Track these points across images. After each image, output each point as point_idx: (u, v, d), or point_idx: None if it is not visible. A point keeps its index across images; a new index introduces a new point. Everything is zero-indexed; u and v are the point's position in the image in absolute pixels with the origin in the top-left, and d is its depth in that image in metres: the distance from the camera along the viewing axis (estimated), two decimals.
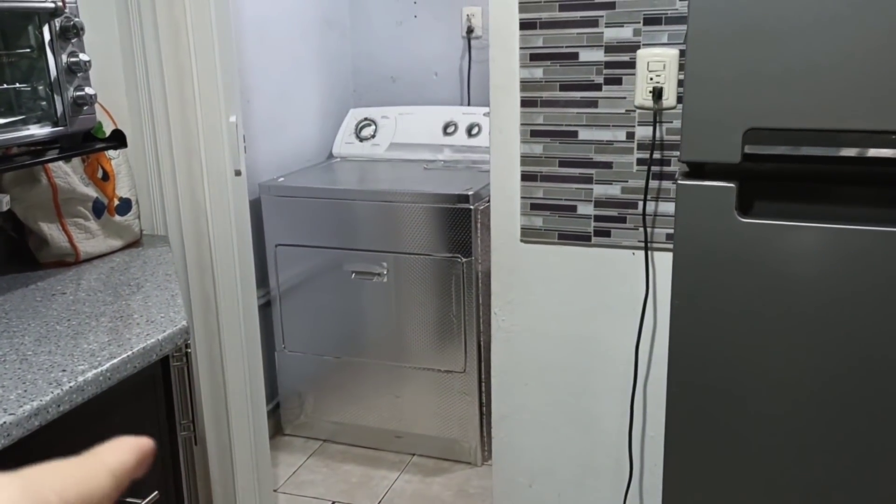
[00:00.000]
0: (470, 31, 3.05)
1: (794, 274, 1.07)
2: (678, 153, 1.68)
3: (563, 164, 1.79)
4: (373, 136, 3.03)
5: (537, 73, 1.76)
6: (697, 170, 1.12)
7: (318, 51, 3.06)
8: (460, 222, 2.46)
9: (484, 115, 2.92)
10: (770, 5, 1.04)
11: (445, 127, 2.96)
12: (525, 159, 1.82)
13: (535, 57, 1.75)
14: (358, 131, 3.06)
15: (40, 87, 1.47)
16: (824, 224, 1.05)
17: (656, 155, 1.71)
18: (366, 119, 3.07)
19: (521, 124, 1.80)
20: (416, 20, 3.13)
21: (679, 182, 1.10)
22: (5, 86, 1.43)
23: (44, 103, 1.47)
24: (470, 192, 2.44)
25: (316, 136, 3.08)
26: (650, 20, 1.65)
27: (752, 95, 1.04)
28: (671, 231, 1.73)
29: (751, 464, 1.22)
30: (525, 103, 1.79)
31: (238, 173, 2.01)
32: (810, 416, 1.17)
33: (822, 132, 1.04)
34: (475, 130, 2.91)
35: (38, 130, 1.46)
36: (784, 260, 1.07)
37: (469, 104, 3.10)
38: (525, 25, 1.74)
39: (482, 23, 3.03)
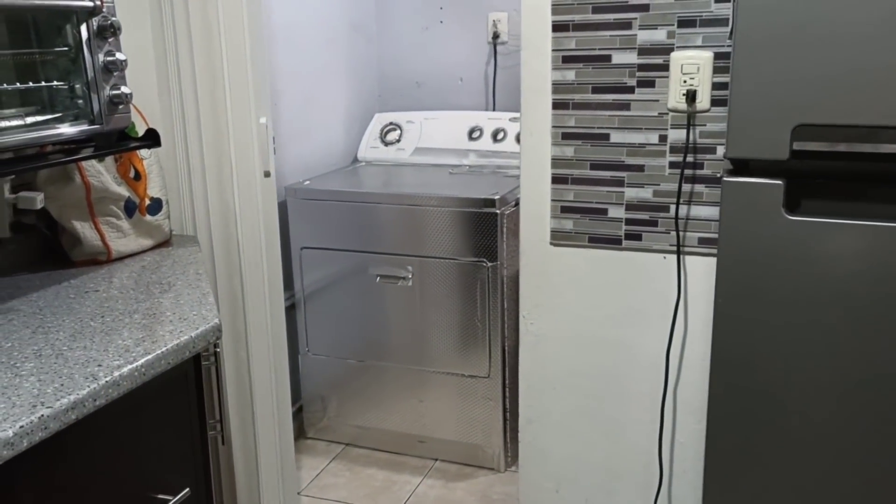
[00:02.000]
0: (496, 36, 3.06)
1: (843, 273, 1.05)
2: (712, 156, 1.67)
3: (594, 166, 1.78)
4: (398, 141, 3.03)
5: (569, 75, 1.75)
6: (742, 167, 1.10)
7: (344, 55, 3.07)
8: (486, 226, 2.45)
9: (510, 119, 2.92)
10: (819, 2, 1.02)
11: (470, 132, 2.96)
12: (556, 162, 1.81)
13: (567, 59, 1.75)
14: (383, 136, 3.06)
15: (77, 86, 1.48)
16: (874, 222, 1.04)
17: (689, 158, 1.69)
18: (391, 123, 3.08)
19: (553, 127, 1.80)
20: (442, 26, 3.14)
21: (725, 179, 1.09)
22: (42, 84, 1.44)
23: (80, 102, 1.48)
24: (496, 197, 2.44)
25: (341, 140, 3.09)
26: (684, 22, 1.64)
27: (802, 91, 1.03)
28: (704, 235, 1.72)
29: (795, 468, 1.20)
30: (556, 105, 1.78)
31: (267, 174, 2.02)
32: (859, 420, 1.15)
33: (872, 129, 1.02)
34: (500, 135, 2.91)
35: (73, 129, 1.47)
36: (833, 259, 1.05)
37: (494, 109, 3.10)
38: (558, 28, 1.74)
39: (508, 28, 3.03)
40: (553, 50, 1.76)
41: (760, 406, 1.20)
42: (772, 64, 1.04)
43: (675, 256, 1.75)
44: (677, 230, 1.73)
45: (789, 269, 1.09)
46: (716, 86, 1.63)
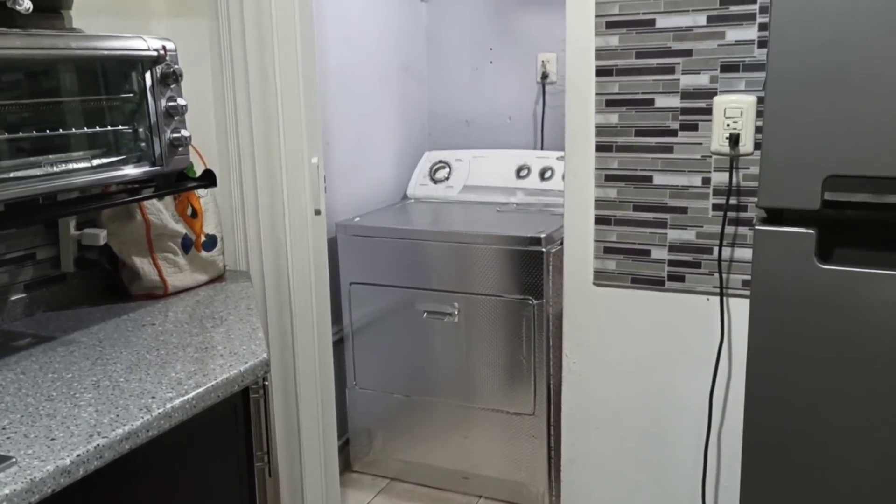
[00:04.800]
0: (545, 76, 3.10)
1: (874, 323, 1.05)
2: (755, 199, 1.68)
3: (637, 208, 1.80)
4: (447, 179, 3.08)
5: (613, 118, 1.78)
6: (775, 216, 1.11)
7: (395, 95, 3.15)
8: (532, 264, 2.47)
9: (558, 158, 2.94)
10: (851, 51, 1.04)
11: (518, 170, 2.99)
12: (599, 203, 1.83)
13: (610, 103, 1.78)
14: (432, 173, 3.12)
15: (140, 130, 1.56)
16: None
17: (732, 201, 1.70)
18: (440, 162, 3.13)
19: (596, 169, 1.82)
20: (492, 66, 3.20)
21: (757, 228, 1.10)
22: (109, 128, 1.53)
23: (143, 144, 1.56)
24: (542, 235, 2.46)
25: (391, 177, 3.16)
26: (727, 67, 1.66)
27: (833, 142, 1.04)
28: (747, 277, 1.71)
29: None
30: (600, 148, 1.81)
31: (318, 212, 2.08)
32: (893, 467, 1.14)
33: None
34: (548, 174, 2.94)
35: (136, 170, 1.55)
36: (865, 308, 1.05)
37: (542, 148, 3.13)
38: (601, 72, 1.77)
39: (556, 69, 3.08)
40: (597, 94, 1.79)
41: (795, 452, 1.19)
42: (803, 114, 1.05)
43: (718, 298, 1.75)
44: (720, 272, 1.73)
45: (822, 317, 1.09)
46: (759, 129, 1.64)
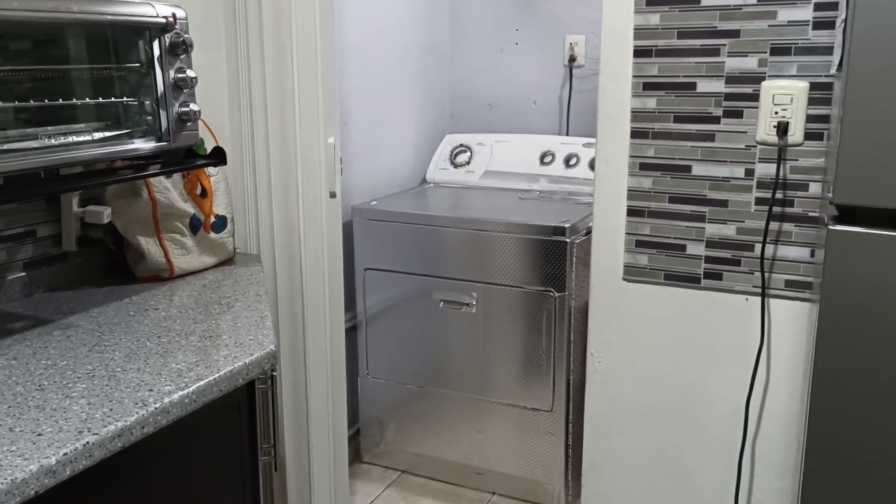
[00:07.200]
0: (572, 59, 2.98)
1: None
2: (803, 193, 1.56)
3: (673, 200, 1.69)
4: (467, 163, 2.98)
5: (650, 103, 1.67)
6: (848, 214, 1.00)
7: (416, 76, 3.04)
8: (555, 255, 2.37)
9: (584, 145, 2.83)
10: None
11: (542, 156, 2.88)
12: (632, 193, 1.72)
13: (648, 86, 1.66)
14: (453, 157, 3.02)
15: (147, 102, 1.47)
16: None
17: (778, 195, 1.58)
18: (461, 145, 3.03)
19: (630, 156, 1.71)
20: (518, 48, 3.08)
21: (830, 228, 0.99)
22: (113, 99, 1.44)
23: (149, 118, 1.47)
24: (566, 225, 2.35)
25: (410, 160, 3.06)
26: (778, 50, 1.54)
27: None
28: (791, 277, 1.60)
29: None
30: (635, 134, 1.69)
31: (333, 195, 1.99)
32: None
33: None
34: (573, 161, 2.83)
35: (142, 145, 1.46)
36: None
37: (568, 134, 3.02)
38: (639, 53, 1.66)
39: (585, 52, 2.95)
40: (633, 76, 1.67)
41: (860, 472, 1.08)
42: (888, 102, 0.94)
43: (758, 299, 1.64)
44: (762, 271, 1.62)
45: None
46: (811, 118, 1.53)
